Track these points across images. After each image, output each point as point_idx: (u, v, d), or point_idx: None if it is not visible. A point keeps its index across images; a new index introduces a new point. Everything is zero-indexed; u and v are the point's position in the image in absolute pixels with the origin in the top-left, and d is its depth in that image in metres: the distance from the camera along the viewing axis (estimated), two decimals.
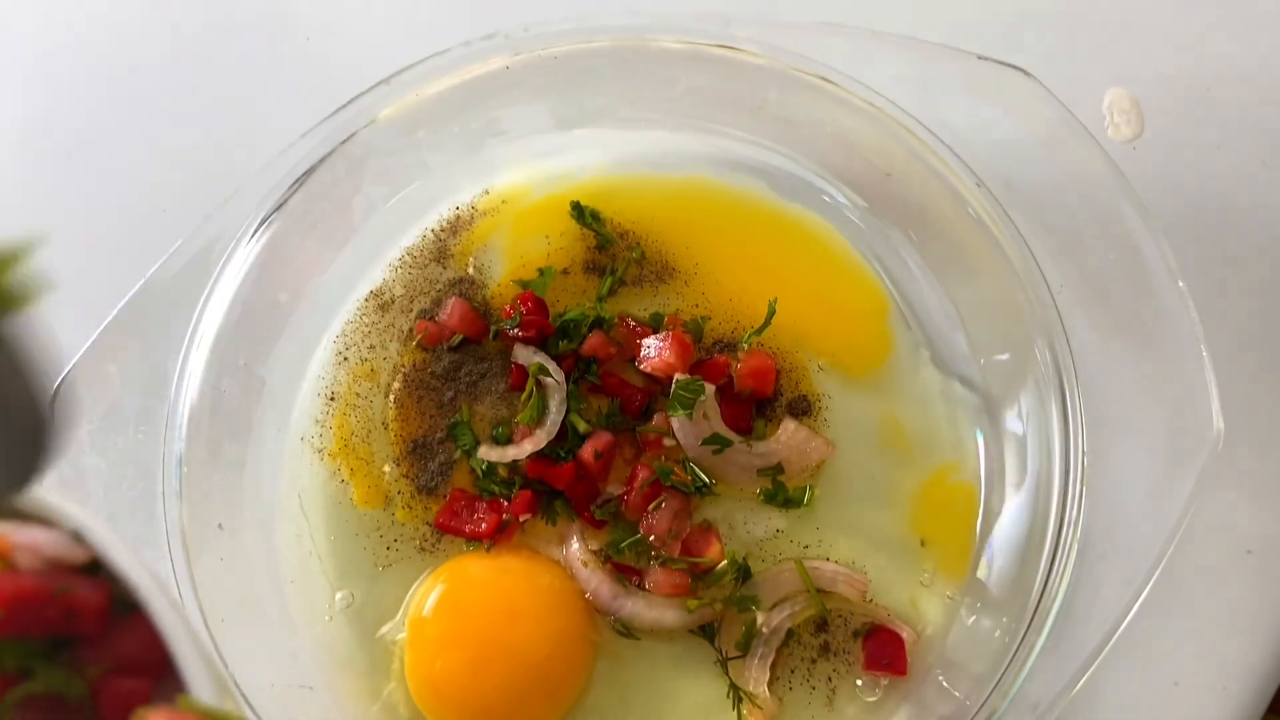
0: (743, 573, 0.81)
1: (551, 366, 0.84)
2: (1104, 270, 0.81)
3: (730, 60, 0.86)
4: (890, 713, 0.79)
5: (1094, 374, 0.79)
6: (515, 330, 0.85)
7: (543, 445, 0.83)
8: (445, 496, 0.85)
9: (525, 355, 0.85)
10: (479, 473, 0.84)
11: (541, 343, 0.86)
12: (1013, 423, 0.83)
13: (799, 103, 0.87)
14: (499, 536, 0.82)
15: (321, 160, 0.86)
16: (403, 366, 0.88)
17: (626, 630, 0.80)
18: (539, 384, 0.84)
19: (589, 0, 0.89)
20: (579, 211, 0.89)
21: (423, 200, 0.92)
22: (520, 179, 0.92)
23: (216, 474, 0.83)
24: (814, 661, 0.80)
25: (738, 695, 0.78)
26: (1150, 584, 0.73)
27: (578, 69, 0.89)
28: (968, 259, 0.86)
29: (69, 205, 1.00)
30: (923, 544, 0.82)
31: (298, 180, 0.85)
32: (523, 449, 0.82)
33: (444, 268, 0.90)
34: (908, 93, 0.83)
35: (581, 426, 0.83)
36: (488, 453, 0.83)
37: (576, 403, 0.84)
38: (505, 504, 0.83)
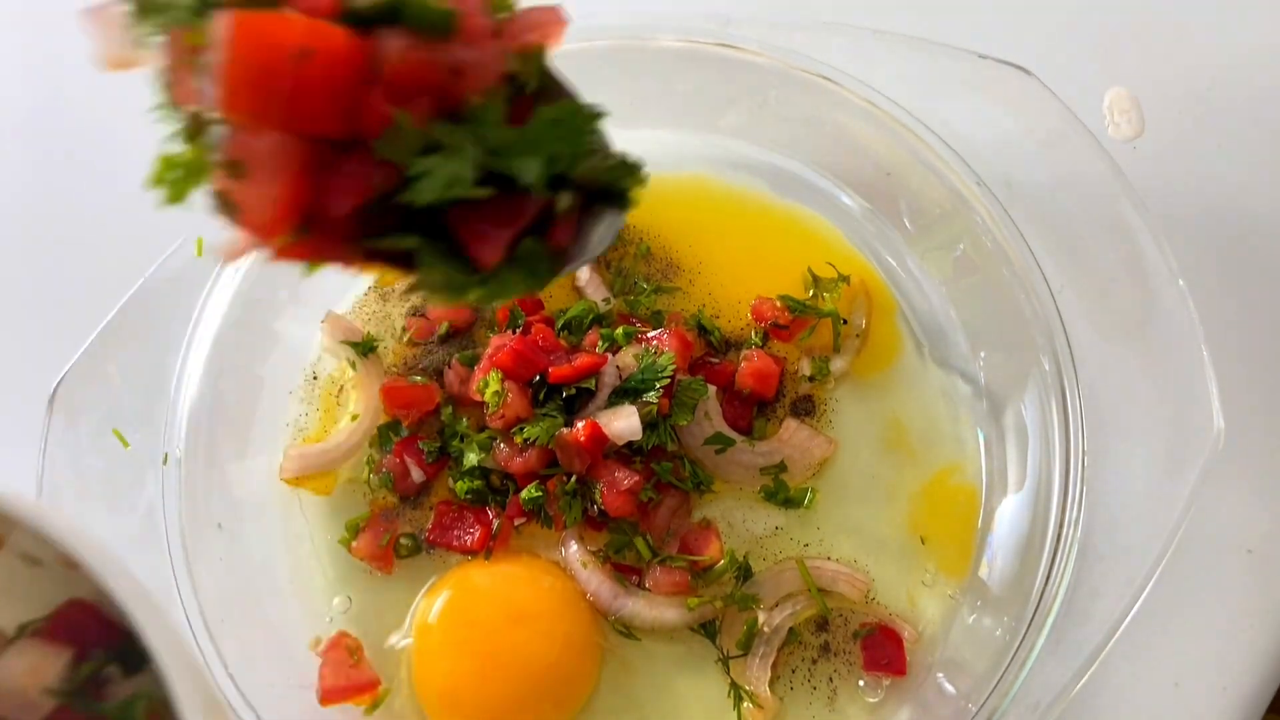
0: (743, 571, 0.80)
1: None
2: (1104, 270, 0.81)
3: (730, 60, 0.86)
4: (891, 713, 0.79)
5: (1094, 374, 0.79)
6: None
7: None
8: (432, 508, 0.84)
9: None
10: (465, 485, 0.83)
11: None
12: (1013, 422, 0.83)
13: (799, 103, 0.87)
14: (494, 543, 0.82)
15: None
16: (394, 368, 0.88)
17: (628, 630, 0.80)
18: None
19: (589, 0, 0.89)
20: None
21: None
22: None
23: (216, 474, 0.83)
24: (815, 661, 0.80)
25: (739, 694, 0.78)
26: (1150, 584, 0.73)
27: (577, 69, 0.88)
28: (968, 259, 0.85)
29: (69, 205, 1.00)
30: (923, 543, 0.82)
31: None
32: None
33: None
34: (908, 92, 0.83)
35: None
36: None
37: None
38: (496, 509, 0.82)
